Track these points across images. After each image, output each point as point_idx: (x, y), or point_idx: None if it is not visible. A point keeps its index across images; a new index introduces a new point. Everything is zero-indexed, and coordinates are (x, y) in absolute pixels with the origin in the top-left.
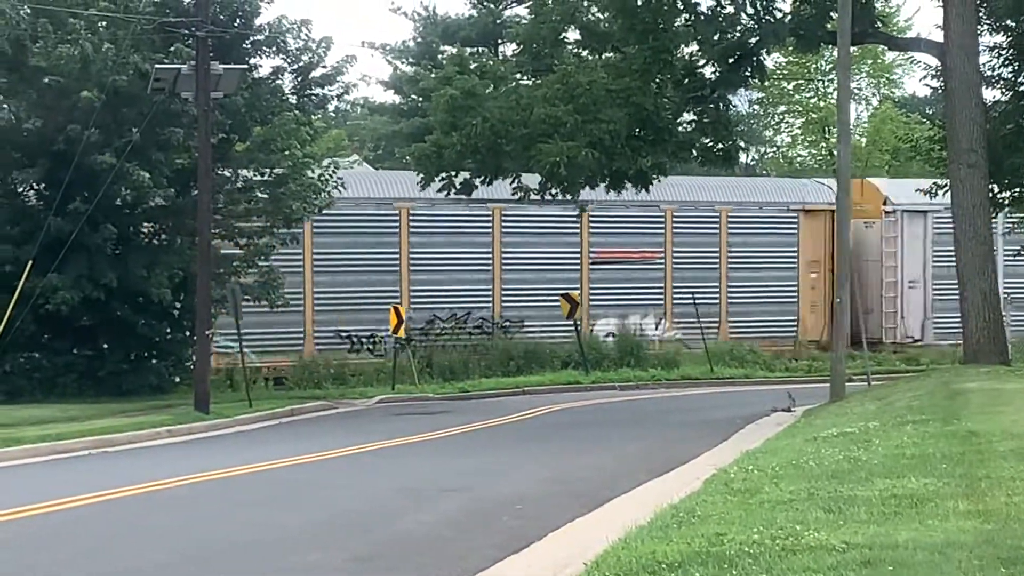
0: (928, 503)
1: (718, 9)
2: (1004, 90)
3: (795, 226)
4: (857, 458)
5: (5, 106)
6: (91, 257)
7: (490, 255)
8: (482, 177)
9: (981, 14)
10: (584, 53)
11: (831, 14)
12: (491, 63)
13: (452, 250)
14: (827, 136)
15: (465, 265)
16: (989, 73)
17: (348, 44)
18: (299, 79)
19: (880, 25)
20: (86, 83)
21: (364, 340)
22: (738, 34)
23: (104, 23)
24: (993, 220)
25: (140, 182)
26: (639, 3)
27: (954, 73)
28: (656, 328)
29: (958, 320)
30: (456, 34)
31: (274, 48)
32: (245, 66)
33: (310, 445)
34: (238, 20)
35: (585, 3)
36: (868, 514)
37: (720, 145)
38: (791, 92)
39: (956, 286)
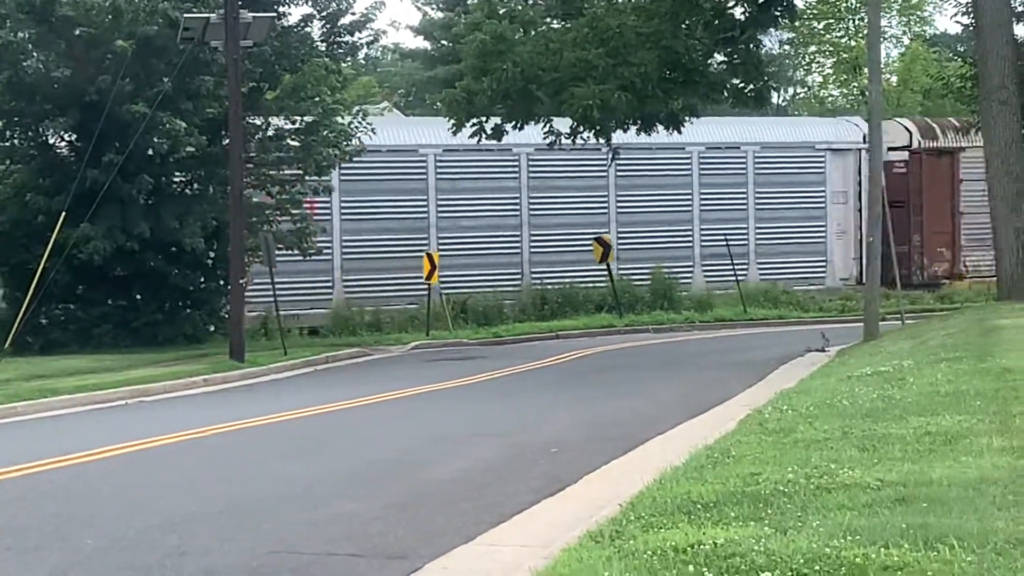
0: (962, 440)
1: None
2: None
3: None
4: (891, 396)
5: (35, 54)
6: (124, 208)
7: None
8: (513, 122)
9: None
10: None
11: None
12: (520, 8)
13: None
14: (858, 76)
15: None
16: (1021, 9)
17: None
18: (328, 26)
19: None
20: (116, 33)
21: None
22: None
23: None
24: None
25: (174, 130)
26: None
27: (985, 9)
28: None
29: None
30: None
31: None
32: (274, 14)
33: (344, 392)
34: None
35: None
36: (902, 452)
37: (751, 86)
38: (821, 32)
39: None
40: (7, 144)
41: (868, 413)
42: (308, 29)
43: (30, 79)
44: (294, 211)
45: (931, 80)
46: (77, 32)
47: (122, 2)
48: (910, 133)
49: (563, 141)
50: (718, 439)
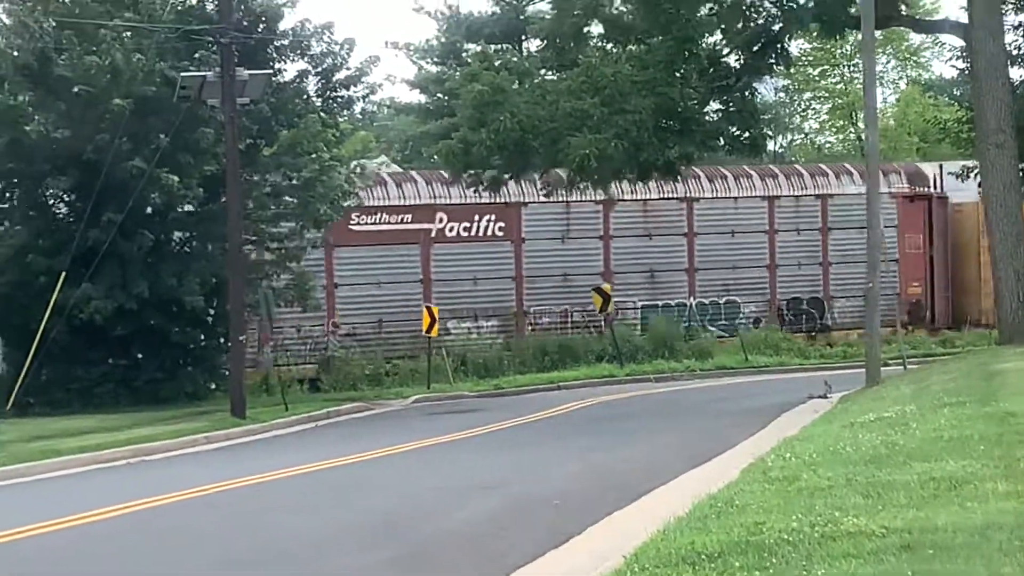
0: (967, 485)
1: None
2: None
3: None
4: (894, 442)
5: (36, 118)
6: (123, 266)
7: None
8: (509, 173)
9: None
10: (608, 46)
11: None
12: (515, 59)
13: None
14: (854, 121)
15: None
16: (1015, 52)
17: (371, 45)
18: (323, 81)
19: (904, 8)
20: (114, 92)
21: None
22: (761, 21)
23: (128, 33)
24: None
25: (170, 186)
26: None
27: (980, 54)
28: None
29: None
30: (480, 32)
31: (298, 52)
32: (270, 71)
33: (347, 447)
34: (261, 25)
35: None
36: (907, 498)
37: (747, 133)
38: (816, 78)
39: None
40: (6, 206)
41: (872, 459)
42: (304, 84)
43: (30, 141)
44: (292, 265)
45: (927, 124)
46: (75, 90)
47: (120, 62)
48: None
49: (560, 191)
50: (721, 488)
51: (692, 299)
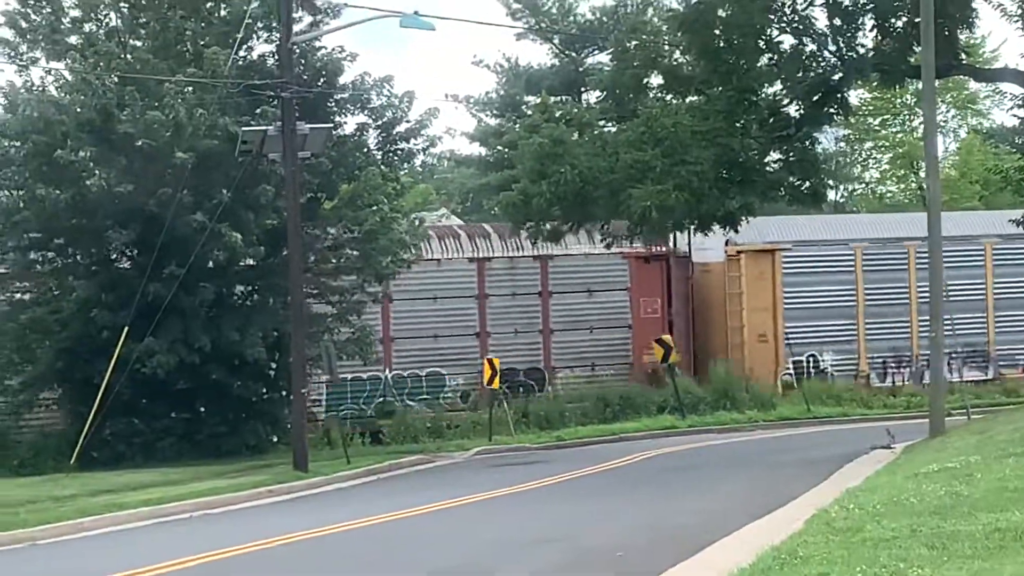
0: None
1: (800, 47)
2: None
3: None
4: (959, 493)
5: (97, 172)
6: (185, 320)
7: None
8: (569, 224)
9: None
10: (668, 97)
11: (914, 48)
12: (576, 110)
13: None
14: (916, 170)
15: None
16: None
17: (431, 97)
18: (383, 134)
19: (964, 57)
20: (176, 147)
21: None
22: (821, 71)
23: (191, 88)
24: None
25: (232, 243)
26: (721, 44)
27: None
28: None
29: None
30: (539, 84)
31: (358, 105)
32: (330, 125)
33: (408, 500)
34: (322, 79)
35: (667, 47)
36: (972, 549)
37: (808, 183)
38: (877, 128)
39: None
40: (69, 260)
41: (936, 510)
42: (364, 137)
43: (92, 196)
44: (353, 319)
45: (989, 173)
46: (138, 144)
47: (183, 116)
48: None
49: (621, 242)
50: (785, 540)
51: (387, 371)
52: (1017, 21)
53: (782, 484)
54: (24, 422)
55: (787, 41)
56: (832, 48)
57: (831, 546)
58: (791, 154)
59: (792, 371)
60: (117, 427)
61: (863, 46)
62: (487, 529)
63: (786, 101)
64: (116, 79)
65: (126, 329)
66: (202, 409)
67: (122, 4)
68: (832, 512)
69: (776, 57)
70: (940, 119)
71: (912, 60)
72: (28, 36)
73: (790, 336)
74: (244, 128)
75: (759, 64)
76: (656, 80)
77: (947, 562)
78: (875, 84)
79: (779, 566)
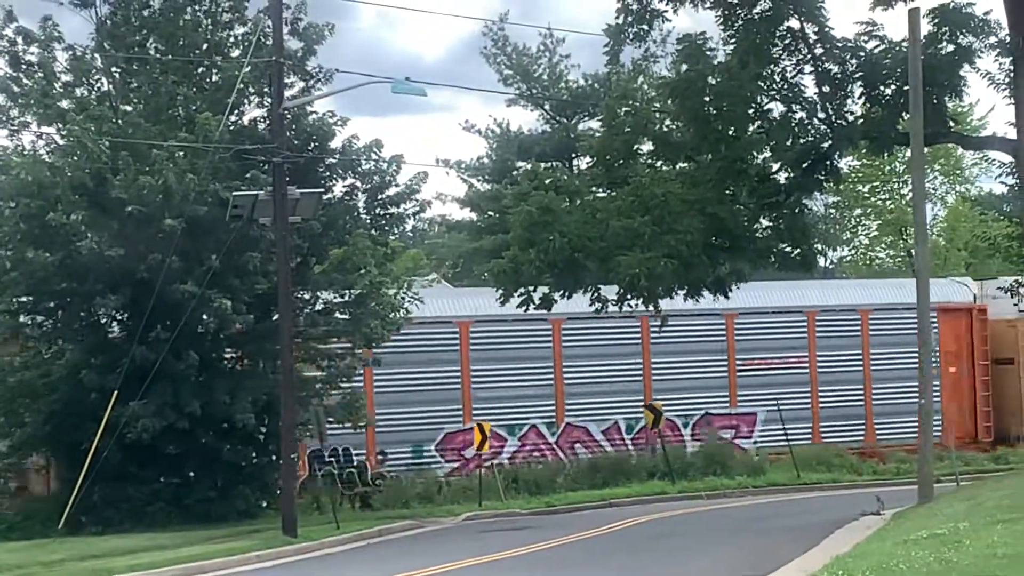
0: None
1: (789, 115)
2: None
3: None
4: (948, 559)
5: (88, 236)
6: (175, 385)
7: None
8: (560, 291)
9: None
10: (658, 163)
11: (903, 116)
12: (566, 177)
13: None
14: (905, 236)
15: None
16: None
17: (422, 164)
18: (372, 198)
19: (952, 124)
20: (167, 212)
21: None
22: (811, 139)
23: (182, 153)
24: None
25: (222, 309)
26: (711, 112)
27: None
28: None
29: None
30: (531, 150)
31: (348, 169)
32: (321, 190)
33: (397, 566)
34: (312, 144)
35: (657, 114)
36: None
37: (798, 250)
38: (866, 194)
39: None
40: (59, 324)
41: None
42: (353, 201)
43: (83, 259)
44: (343, 384)
45: (977, 240)
46: (129, 210)
47: (173, 182)
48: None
49: (610, 308)
50: None
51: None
52: (1005, 89)
53: (771, 550)
54: (12, 485)
55: (777, 109)
56: (821, 116)
57: None
58: (780, 220)
59: None
60: (106, 492)
61: (852, 113)
62: None
63: (775, 168)
64: (108, 143)
65: (115, 393)
66: (191, 474)
67: (114, 69)
68: None
69: (766, 124)
70: (928, 186)
71: (900, 127)
72: (20, 100)
73: None
74: (235, 193)
75: (749, 131)
76: (646, 147)
77: None
78: (864, 151)
79: None
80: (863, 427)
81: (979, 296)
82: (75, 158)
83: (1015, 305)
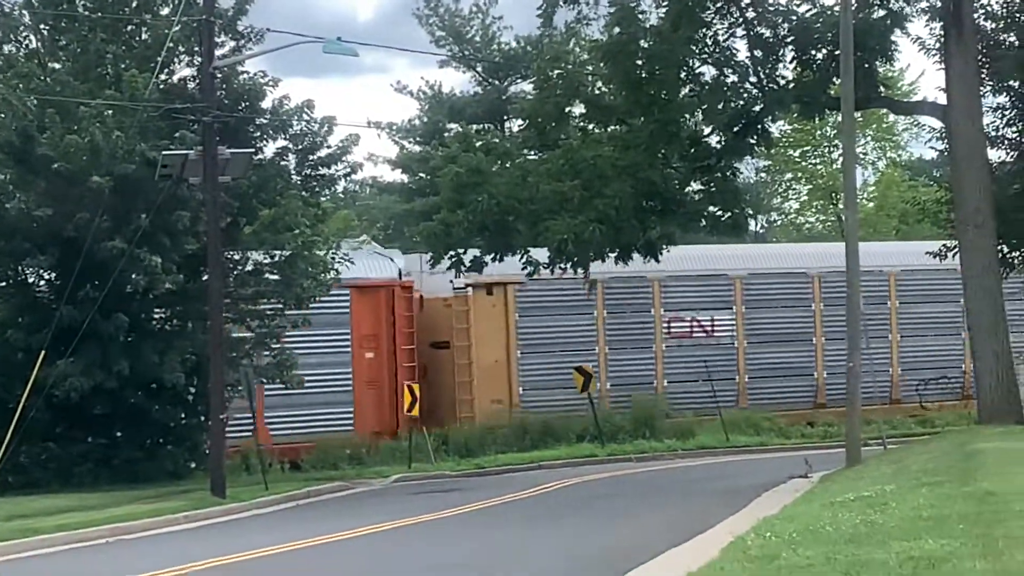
0: (946, 564)
1: (721, 79)
2: (1009, 150)
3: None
4: (874, 521)
5: (16, 196)
6: (103, 345)
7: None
8: (492, 254)
9: (983, 75)
10: (590, 126)
11: (834, 80)
12: (496, 140)
13: None
14: (835, 201)
15: None
16: (993, 134)
17: (354, 124)
18: (304, 160)
19: (883, 89)
20: (95, 171)
21: None
22: (742, 103)
23: (111, 111)
24: (1004, 280)
25: (151, 267)
26: (643, 75)
27: (958, 135)
28: None
29: None
30: (462, 111)
31: (279, 130)
32: (252, 150)
33: (325, 526)
34: (243, 104)
35: (589, 77)
36: None
37: (729, 214)
38: (797, 159)
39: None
40: None
41: (851, 538)
42: (285, 162)
43: (11, 219)
44: (274, 345)
45: (907, 205)
46: (55, 167)
47: (100, 140)
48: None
49: (541, 271)
50: (702, 567)
51: None
52: (935, 55)
53: (700, 512)
54: None
55: (708, 72)
56: (753, 79)
57: (746, 573)
58: (712, 185)
59: None
60: (33, 452)
61: (784, 78)
62: (402, 557)
63: (707, 132)
64: (35, 101)
65: (43, 353)
66: (119, 434)
67: (42, 26)
68: (748, 540)
69: (698, 88)
70: (859, 151)
71: (832, 92)
72: None
73: None
74: (165, 152)
75: (681, 95)
76: (578, 110)
77: None
78: (795, 115)
79: None
80: None
81: (415, 272)
82: (1, 116)
83: (451, 282)
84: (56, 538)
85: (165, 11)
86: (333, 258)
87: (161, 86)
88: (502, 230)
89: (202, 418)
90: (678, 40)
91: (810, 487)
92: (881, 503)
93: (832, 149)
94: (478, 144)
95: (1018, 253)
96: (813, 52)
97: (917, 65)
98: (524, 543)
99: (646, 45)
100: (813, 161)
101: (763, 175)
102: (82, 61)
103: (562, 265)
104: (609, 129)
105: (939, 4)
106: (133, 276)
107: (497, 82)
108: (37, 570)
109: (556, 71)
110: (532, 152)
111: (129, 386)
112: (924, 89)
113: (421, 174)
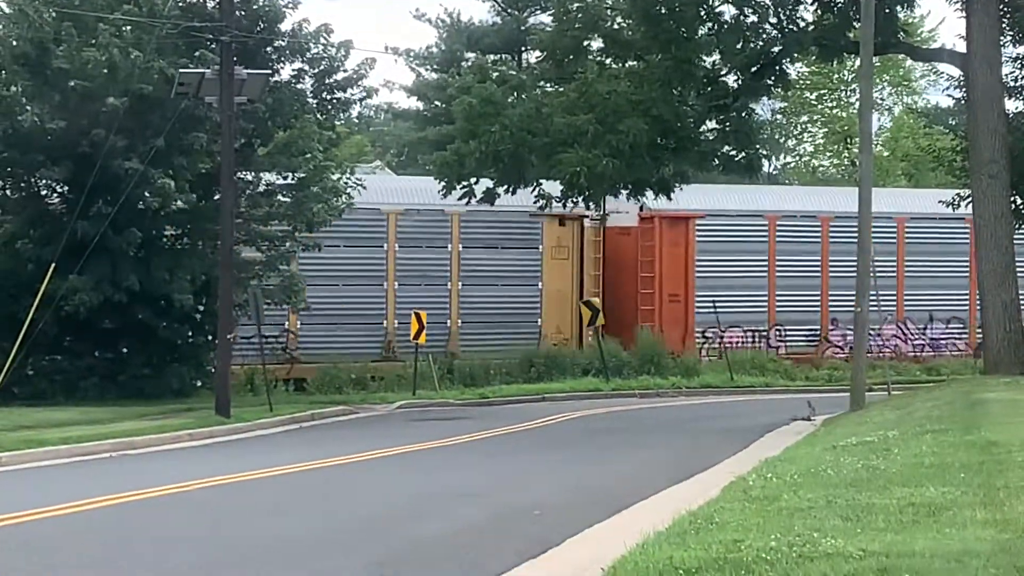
0: (946, 512)
1: (741, 18)
2: None
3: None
4: (876, 467)
5: (28, 108)
6: (113, 260)
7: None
8: (505, 185)
9: (1004, 25)
10: (607, 61)
11: (854, 24)
12: (513, 72)
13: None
14: (849, 146)
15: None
16: (1012, 84)
17: (371, 50)
18: (319, 83)
19: (903, 35)
20: (111, 88)
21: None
22: (761, 43)
23: (128, 27)
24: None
25: (164, 188)
26: (663, 12)
27: (976, 84)
28: None
29: None
30: (480, 41)
31: (296, 53)
32: (268, 71)
33: (329, 450)
34: (261, 25)
35: (609, 11)
36: (886, 522)
37: (743, 153)
38: (813, 102)
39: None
40: None
41: (852, 483)
42: (301, 85)
43: (25, 131)
44: (283, 267)
45: (922, 152)
46: (72, 84)
47: (118, 58)
48: None
49: (554, 205)
50: (702, 505)
51: None
52: (956, 2)
53: (702, 451)
54: None
55: (728, 12)
56: (773, 20)
57: (747, 513)
58: (727, 124)
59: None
60: (40, 364)
61: (803, 20)
62: (406, 482)
63: (724, 71)
64: (54, 14)
65: (53, 265)
66: (126, 350)
67: None
68: (750, 480)
69: (717, 27)
70: (876, 97)
71: (851, 36)
72: None
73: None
74: (182, 70)
75: (699, 33)
76: (596, 44)
77: (860, 533)
78: (814, 58)
79: (695, 531)
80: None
81: None
82: (17, 28)
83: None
84: (60, 450)
85: None
86: (346, 183)
87: (180, 4)
88: (516, 162)
89: (209, 337)
90: None
91: (813, 430)
92: (884, 449)
93: (849, 93)
94: (494, 76)
95: None
96: None
97: (937, 12)
98: (525, 474)
99: None
100: (829, 104)
101: (778, 116)
102: None
103: (574, 199)
104: (626, 65)
105: None
106: (146, 195)
107: (516, 12)
108: (39, 481)
109: (576, 4)
110: (548, 85)
111: (138, 302)
112: (943, 36)
113: (437, 102)
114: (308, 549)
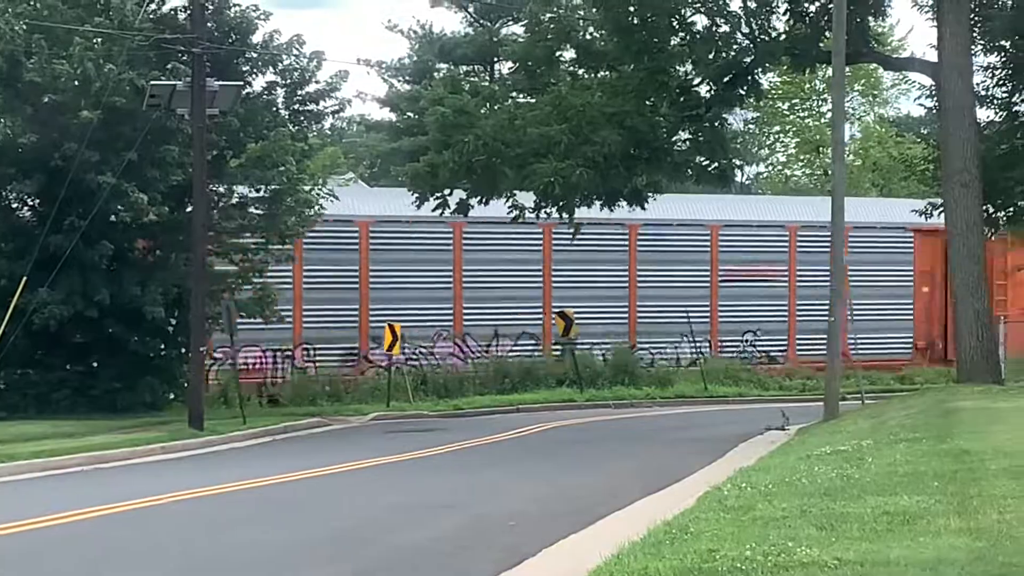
0: (920, 520)
1: (713, 28)
2: (998, 110)
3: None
4: (850, 476)
5: (2, 120)
6: (85, 273)
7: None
8: (477, 196)
9: (975, 34)
10: (580, 72)
11: (826, 33)
12: (485, 83)
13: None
14: (821, 155)
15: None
16: (983, 93)
17: (344, 61)
18: (291, 94)
19: (874, 44)
20: (83, 100)
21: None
22: (733, 53)
23: (99, 39)
24: (988, 239)
25: (136, 202)
26: (635, 22)
27: (948, 93)
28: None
29: None
30: (452, 52)
31: (268, 64)
32: (240, 83)
33: (304, 462)
34: (233, 37)
35: (581, 22)
36: (860, 531)
37: (716, 164)
38: (786, 112)
39: None
40: None
41: (827, 492)
42: (273, 97)
43: None
44: (256, 279)
45: (894, 161)
46: (44, 99)
47: (91, 71)
48: None
49: (527, 216)
50: (676, 515)
51: None
52: (928, 11)
53: (677, 461)
54: None
55: (700, 22)
56: (745, 30)
57: (722, 523)
58: (700, 134)
59: None
60: (11, 378)
61: (775, 29)
62: (382, 493)
63: (697, 81)
64: (24, 26)
65: (24, 279)
66: (97, 363)
67: None
68: (724, 490)
69: (689, 37)
70: (848, 106)
71: (823, 45)
72: None
73: None
74: (153, 82)
75: (672, 43)
76: (569, 54)
77: (835, 542)
78: (786, 68)
79: (670, 541)
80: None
81: None
82: None
83: None
84: (33, 464)
85: None
86: (318, 195)
87: (152, 15)
88: (488, 173)
89: (182, 350)
90: None
91: (787, 439)
92: (857, 457)
93: (821, 103)
94: (466, 87)
95: (1003, 213)
96: (806, 4)
97: (906, 21)
98: (500, 485)
99: None
100: (801, 114)
101: (751, 127)
102: None
103: (547, 209)
104: (599, 75)
105: None
106: (118, 207)
107: (488, 23)
108: (12, 496)
109: (548, 14)
110: (521, 95)
111: (109, 316)
112: (913, 45)
113: (409, 113)
114: (284, 562)
